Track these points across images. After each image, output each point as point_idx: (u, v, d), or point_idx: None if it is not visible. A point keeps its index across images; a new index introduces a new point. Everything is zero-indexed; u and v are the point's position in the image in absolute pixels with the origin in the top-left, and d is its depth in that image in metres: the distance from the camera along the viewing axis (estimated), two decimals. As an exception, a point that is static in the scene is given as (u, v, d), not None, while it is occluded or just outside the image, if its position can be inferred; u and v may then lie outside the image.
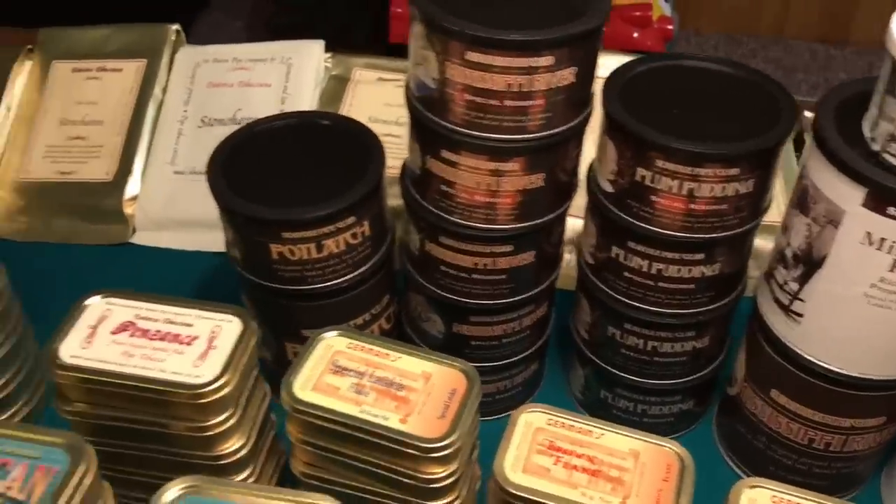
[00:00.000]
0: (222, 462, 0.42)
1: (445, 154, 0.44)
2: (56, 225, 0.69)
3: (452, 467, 0.41)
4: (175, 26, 0.75)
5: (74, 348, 0.41)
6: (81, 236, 0.68)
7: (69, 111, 0.72)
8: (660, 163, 0.43)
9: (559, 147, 0.44)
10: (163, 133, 0.71)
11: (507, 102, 0.41)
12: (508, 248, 0.47)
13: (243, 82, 0.72)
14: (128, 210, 0.69)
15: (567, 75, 0.41)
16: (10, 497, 0.33)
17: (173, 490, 0.34)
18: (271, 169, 0.49)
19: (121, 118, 0.71)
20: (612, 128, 0.45)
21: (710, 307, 0.49)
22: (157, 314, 0.42)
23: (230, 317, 0.42)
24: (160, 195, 0.69)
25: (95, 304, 0.43)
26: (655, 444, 0.42)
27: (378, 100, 0.71)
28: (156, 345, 0.41)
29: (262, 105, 0.70)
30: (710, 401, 0.56)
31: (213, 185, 0.48)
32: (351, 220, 0.47)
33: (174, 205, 0.69)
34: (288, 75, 0.72)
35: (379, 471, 0.42)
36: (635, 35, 1.70)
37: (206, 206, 0.68)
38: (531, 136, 0.42)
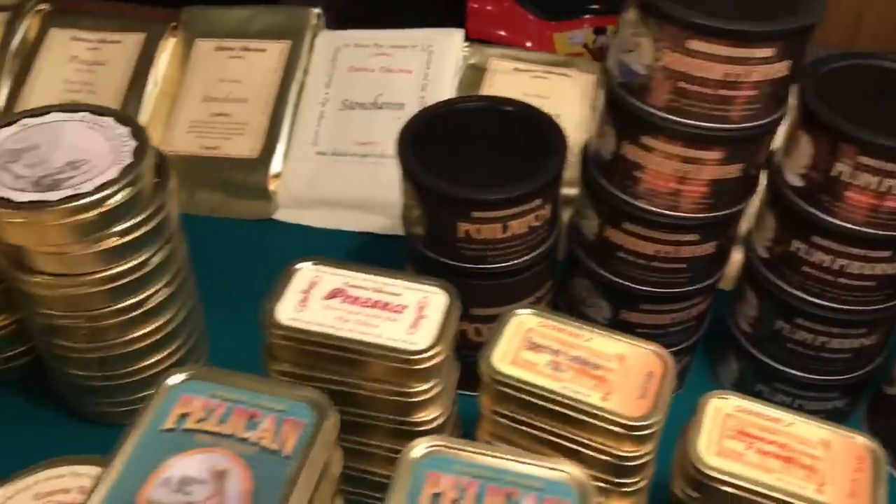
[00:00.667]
0: (419, 429, 0.43)
1: (644, 140, 0.45)
2: (201, 198, 0.70)
3: (649, 447, 0.42)
4: (316, 10, 0.77)
5: (290, 311, 0.42)
6: (226, 210, 0.70)
7: (213, 88, 0.74)
8: (862, 158, 0.43)
9: (760, 139, 0.45)
10: (305, 114, 0.73)
11: (719, 91, 0.42)
12: (694, 238, 0.48)
13: (384, 68, 0.73)
14: (271, 187, 0.70)
15: (781, 68, 0.42)
16: (263, 446, 0.34)
17: (420, 447, 0.35)
18: (456, 149, 0.50)
19: (265, 98, 0.73)
20: (810, 122, 0.45)
21: (885, 305, 0.49)
22: (366, 283, 0.43)
23: (436, 289, 0.43)
24: (303, 174, 0.70)
25: (306, 270, 0.44)
26: (846, 435, 0.42)
27: (516, 89, 0.72)
28: (368, 311, 0.42)
29: (404, 90, 0.72)
30: (860, 399, 0.57)
31: (404, 161, 0.49)
32: (537, 202, 0.48)
33: (316, 184, 0.70)
34: (429, 62, 0.73)
35: (571, 445, 0.43)
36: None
37: (347, 186, 0.70)
38: (735, 126, 0.43)
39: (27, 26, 0.77)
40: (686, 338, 0.54)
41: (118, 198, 0.45)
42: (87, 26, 0.76)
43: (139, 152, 0.47)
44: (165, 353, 0.53)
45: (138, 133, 0.48)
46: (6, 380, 0.58)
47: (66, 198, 0.44)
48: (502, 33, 2.24)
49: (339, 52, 0.75)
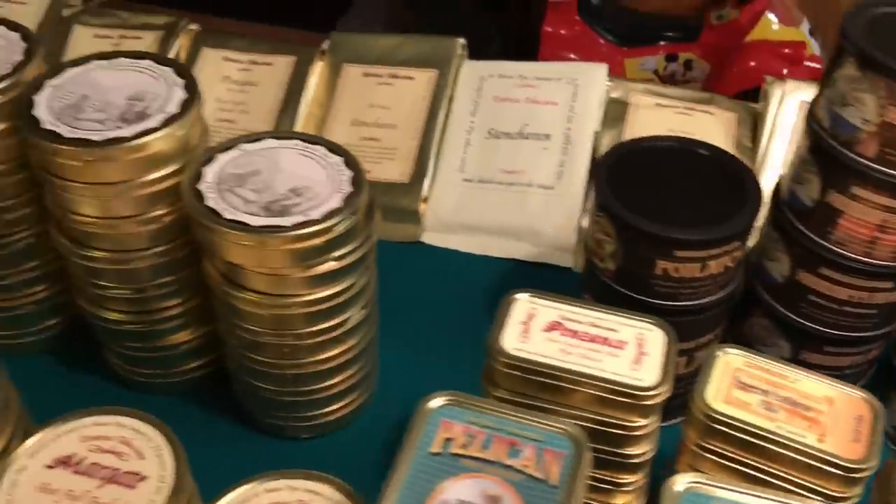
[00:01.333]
0: (629, 462, 0.45)
1: (853, 189, 0.46)
2: (351, 219, 0.72)
3: (859, 489, 0.43)
4: (461, 40, 0.79)
5: (513, 340, 0.44)
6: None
7: (361, 113, 0.76)
8: None
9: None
10: (451, 141, 0.75)
11: (939, 146, 0.43)
12: (888, 285, 0.49)
13: (530, 99, 0.75)
14: (420, 210, 0.72)
15: None
16: (529, 474, 0.36)
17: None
18: (650, 187, 0.52)
19: (414, 124, 0.75)
20: None
21: None
22: (581, 317, 0.45)
23: (651, 326, 0.45)
24: (450, 199, 0.72)
25: (523, 301, 0.46)
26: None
27: (660, 125, 0.74)
28: (588, 345, 0.44)
29: (550, 121, 0.74)
30: None
31: (602, 196, 0.51)
32: (735, 244, 0.49)
33: (463, 209, 0.72)
34: (574, 95, 0.75)
35: (779, 482, 0.44)
36: (785, 72, 1.70)
37: (493, 212, 0.72)
38: (946, 179, 0.44)
39: (179, 46, 0.80)
40: (858, 379, 0.55)
41: (341, 226, 0.47)
42: (239, 47, 0.79)
43: (357, 182, 0.49)
44: (350, 373, 0.55)
45: (351, 163, 0.50)
46: (182, 391, 0.60)
47: (298, 224, 0.46)
48: (574, 56, 2.25)
49: (484, 81, 0.77)
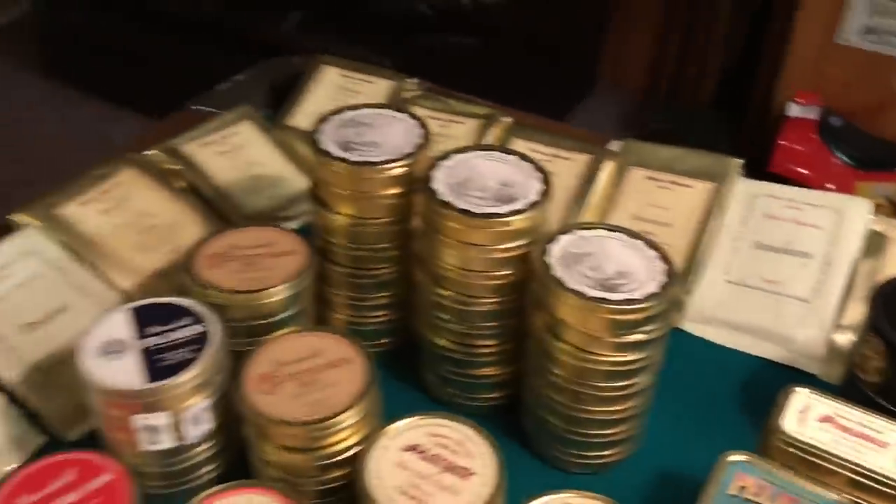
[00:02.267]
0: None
1: None
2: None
3: None
4: (739, 160, 0.90)
5: (793, 424, 0.54)
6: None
7: (642, 210, 0.89)
8: None
9: None
10: (720, 245, 0.86)
11: None
12: None
13: (796, 220, 0.85)
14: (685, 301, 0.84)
15: None
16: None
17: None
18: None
19: (688, 225, 0.87)
20: None
21: None
22: (853, 416, 0.55)
23: (910, 433, 0.54)
24: (712, 296, 0.83)
25: (802, 394, 0.56)
26: None
27: (918, 261, 0.81)
28: (856, 440, 0.53)
29: (812, 243, 0.83)
30: None
31: (876, 320, 0.60)
32: None
33: (723, 307, 0.82)
34: (838, 224, 0.84)
35: None
36: None
37: (751, 314, 0.82)
38: None
39: (493, 135, 0.97)
40: None
41: (656, 308, 0.60)
42: (544, 141, 0.95)
43: (670, 275, 0.61)
44: (627, 427, 0.67)
45: (666, 258, 0.63)
46: (480, 414, 0.74)
47: (623, 300, 0.59)
48: (805, 172, 2.30)
49: (755, 199, 0.88)
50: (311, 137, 0.70)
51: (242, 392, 0.61)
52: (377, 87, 1.05)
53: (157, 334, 0.63)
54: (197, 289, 0.67)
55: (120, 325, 0.64)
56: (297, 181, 0.94)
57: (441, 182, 0.65)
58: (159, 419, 0.61)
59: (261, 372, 0.63)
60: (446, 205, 0.63)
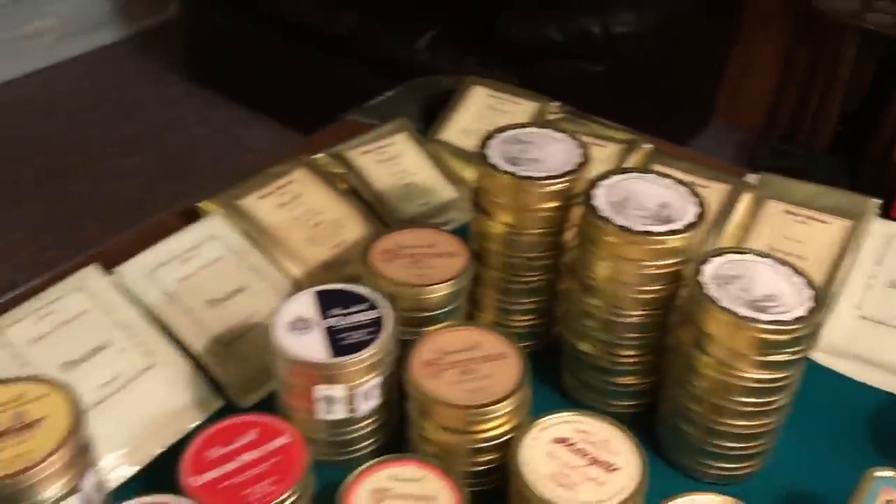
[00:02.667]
0: None
1: None
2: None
3: None
4: (876, 201, 0.93)
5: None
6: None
7: (778, 242, 0.92)
8: None
9: None
10: (854, 281, 0.88)
11: None
12: None
13: (933, 262, 0.87)
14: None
15: None
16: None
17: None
18: None
19: (823, 259, 0.90)
20: None
21: None
22: None
23: None
24: (844, 330, 0.86)
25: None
26: None
27: None
28: None
29: (950, 286, 0.85)
30: None
31: None
32: None
33: (854, 341, 0.85)
34: (978, 269, 0.85)
35: None
36: None
37: (882, 350, 0.84)
38: None
39: (634, 160, 1.02)
40: None
41: (803, 331, 0.63)
42: (682, 168, 0.99)
43: (818, 300, 0.65)
44: (760, 442, 0.71)
45: (811, 284, 0.67)
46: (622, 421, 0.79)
47: (773, 321, 0.63)
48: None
49: (892, 239, 0.90)
50: (479, 151, 0.77)
51: (410, 374, 0.68)
52: (523, 108, 1.11)
53: (337, 316, 0.71)
54: (372, 279, 0.74)
55: (306, 305, 0.72)
56: (447, 191, 1.01)
57: (601, 199, 0.71)
58: (337, 391, 0.68)
59: (425, 358, 0.70)
60: (607, 220, 0.69)
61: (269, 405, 0.75)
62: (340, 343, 0.68)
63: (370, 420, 0.72)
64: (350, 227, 0.93)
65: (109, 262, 0.83)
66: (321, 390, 0.68)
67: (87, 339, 0.76)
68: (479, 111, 1.11)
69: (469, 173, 1.03)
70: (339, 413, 0.69)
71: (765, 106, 2.72)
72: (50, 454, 0.58)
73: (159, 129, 2.59)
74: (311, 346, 0.68)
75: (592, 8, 1.84)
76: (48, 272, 0.85)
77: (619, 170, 0.75)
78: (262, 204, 0.92)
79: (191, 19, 2.73)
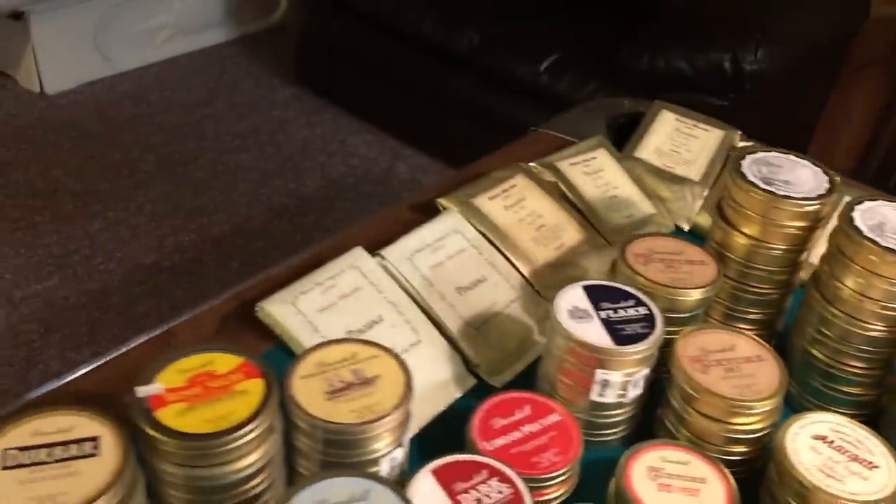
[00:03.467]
0: None
1: None
2: None
3: None
4: None
5: None
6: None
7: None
8: None
9: None
10: None
11: None
12: None
13: None
14: None
15: None
16: None
17: None
18: None
19: None
20: None
21: None
22: None
23: None
24: None
25: None
26: None
27: None
28: None
29: None
30: None
31: None
32: None
33: None
34: None
35: None
36: None
37: None
38: None
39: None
40: None
41: None
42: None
43: None
44: None
45: None
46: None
47: None
48: None
49: None
50: (734, 168, 0.84)
51: (681, 368, 0.75)
52: (711, 134, 1.19)
53: (608, 309, 0.78)
54: (633, 278, 0.81)
55: (579, 297, 0.79)
56: (646, 205, 1.08)
57: (860, 221, 0.78)
58: (615, 376, 0.75)
59: (691, 355, 0.76)
60: (870, 240, 0.76)
61: (516, 385, 0.81)
62: (619, 333, 0.75)
63: (629, 408, 0.78)
64: (568, 231, 1.00)
65: (348, 246, 0.89)
66: (600, 374, 0.75)
67: (365, 312, 0.83)
68: (670, 133, 1.18)
69: (665, 191, 1.10)
70: (610, 397, 0.76)
71: (856, 150, 2.78)
72: (396, 406, 0.65)
73: (271, 129, 2.68)
74: (594, 333, 0.75)
75: (724, 43, 1.92)
76: (305, 250, 0.93)
77: (868, 196, 0.81)
78: (492, 204, 0.99)
79: (304, 25, 2.83)
